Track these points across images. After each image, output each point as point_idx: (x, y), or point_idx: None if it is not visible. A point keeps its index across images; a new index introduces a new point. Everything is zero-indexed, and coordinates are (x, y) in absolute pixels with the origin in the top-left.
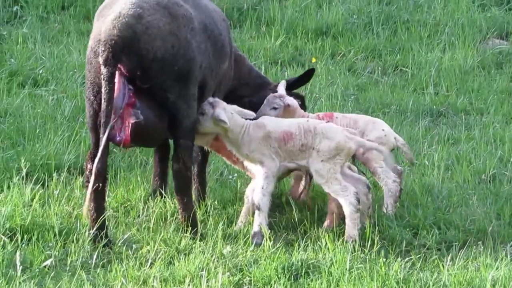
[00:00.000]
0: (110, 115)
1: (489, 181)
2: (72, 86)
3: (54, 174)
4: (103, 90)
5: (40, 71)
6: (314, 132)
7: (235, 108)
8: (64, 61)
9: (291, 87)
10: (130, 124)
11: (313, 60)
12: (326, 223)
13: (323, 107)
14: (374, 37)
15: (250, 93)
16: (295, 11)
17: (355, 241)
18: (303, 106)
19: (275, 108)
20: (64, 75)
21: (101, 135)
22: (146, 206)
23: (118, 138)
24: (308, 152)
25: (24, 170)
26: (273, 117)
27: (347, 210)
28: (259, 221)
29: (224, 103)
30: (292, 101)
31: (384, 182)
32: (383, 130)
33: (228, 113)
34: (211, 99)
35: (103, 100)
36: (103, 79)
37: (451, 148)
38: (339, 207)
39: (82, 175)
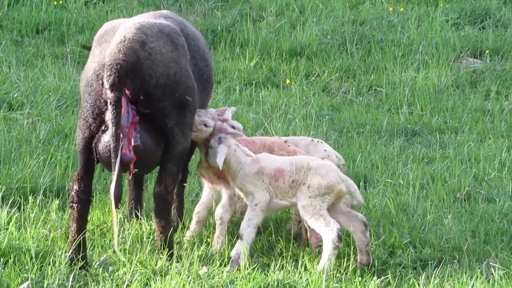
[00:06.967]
0: (119, 139)
1: (464, 200)
2: (47, 110)
3: (30, 197)
4: (110, 114)
5: (15, 95)
6: (307, 168)
7: (241, 146)
8: (39, 84)
9: None
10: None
11: (287, 81)
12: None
13: (297, 128)
14: (348, 57)
15: None
16: (269, 32)
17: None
18: None
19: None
20: (39, 99)
21: (112, 160)
22: (122, 228)
23: (127, 157)
24: (298, 188)
25: (0, 194)
26: (268, 154)
27: (327, 245)
28: (238, 249)
29: (232, 141)
30: (238, 124)
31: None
32: (325, 150)
33: (232, 150)
34: (223, 134)
35: (111, 125)
36: (110, 103)
37: (426, 167)
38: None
39: (58, 198)
